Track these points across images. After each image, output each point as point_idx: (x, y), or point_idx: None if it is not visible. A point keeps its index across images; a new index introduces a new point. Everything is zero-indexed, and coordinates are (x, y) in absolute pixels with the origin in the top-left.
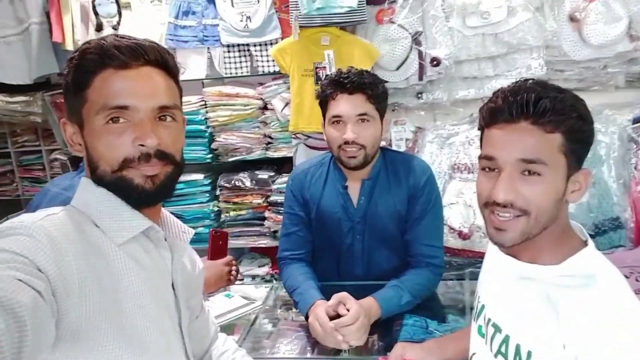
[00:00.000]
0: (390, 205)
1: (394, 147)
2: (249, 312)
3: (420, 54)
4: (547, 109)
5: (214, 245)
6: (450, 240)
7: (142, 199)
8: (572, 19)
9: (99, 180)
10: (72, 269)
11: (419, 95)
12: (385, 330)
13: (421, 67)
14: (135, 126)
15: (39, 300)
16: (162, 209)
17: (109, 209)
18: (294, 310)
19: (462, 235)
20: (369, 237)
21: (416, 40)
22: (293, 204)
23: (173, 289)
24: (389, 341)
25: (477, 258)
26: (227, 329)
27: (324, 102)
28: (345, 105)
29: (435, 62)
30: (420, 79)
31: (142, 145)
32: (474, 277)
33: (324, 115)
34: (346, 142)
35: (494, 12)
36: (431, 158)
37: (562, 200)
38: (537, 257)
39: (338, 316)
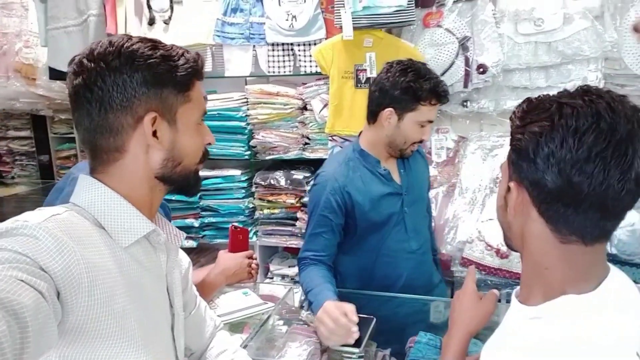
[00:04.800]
0: (420, 170)
1: (434, 156)
2: (261, 311)
3: (466, 60)
4: None
5: (234, 239)
6: (487, 258)
7: (196, 191)
8: (637, 29)
9: (170, 175)
10: (81, 268)
11: (465, 104)
12: (398, 345)
13: (467, 74)
14: (206, 129)
15: (41, 301)
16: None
17: (114, 210)
18: (309, 313)
19: (500, 254)
20: (413, 208)
21: (463, 45)
22: (326, 208)
23: (167, 292)
24: (400, 358)
25: (514, 279)
26: (237, 327)
27: (414, 100)
28: (434, 112)
29: (481, 69)
30: (465, 86)
31: (209, 144)
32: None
33: (403, 110)
34: (419, 141)
35: (548, 19)
36: (473, 170)
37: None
38: (525, 297)
39: None
